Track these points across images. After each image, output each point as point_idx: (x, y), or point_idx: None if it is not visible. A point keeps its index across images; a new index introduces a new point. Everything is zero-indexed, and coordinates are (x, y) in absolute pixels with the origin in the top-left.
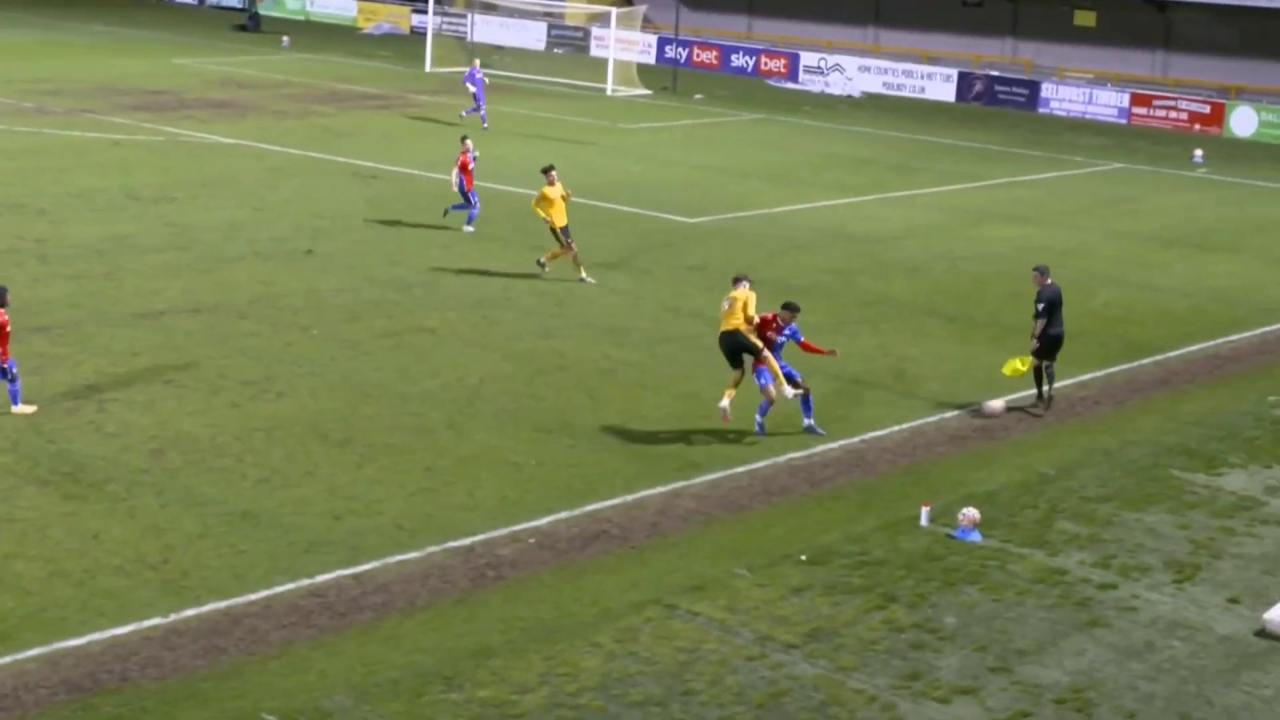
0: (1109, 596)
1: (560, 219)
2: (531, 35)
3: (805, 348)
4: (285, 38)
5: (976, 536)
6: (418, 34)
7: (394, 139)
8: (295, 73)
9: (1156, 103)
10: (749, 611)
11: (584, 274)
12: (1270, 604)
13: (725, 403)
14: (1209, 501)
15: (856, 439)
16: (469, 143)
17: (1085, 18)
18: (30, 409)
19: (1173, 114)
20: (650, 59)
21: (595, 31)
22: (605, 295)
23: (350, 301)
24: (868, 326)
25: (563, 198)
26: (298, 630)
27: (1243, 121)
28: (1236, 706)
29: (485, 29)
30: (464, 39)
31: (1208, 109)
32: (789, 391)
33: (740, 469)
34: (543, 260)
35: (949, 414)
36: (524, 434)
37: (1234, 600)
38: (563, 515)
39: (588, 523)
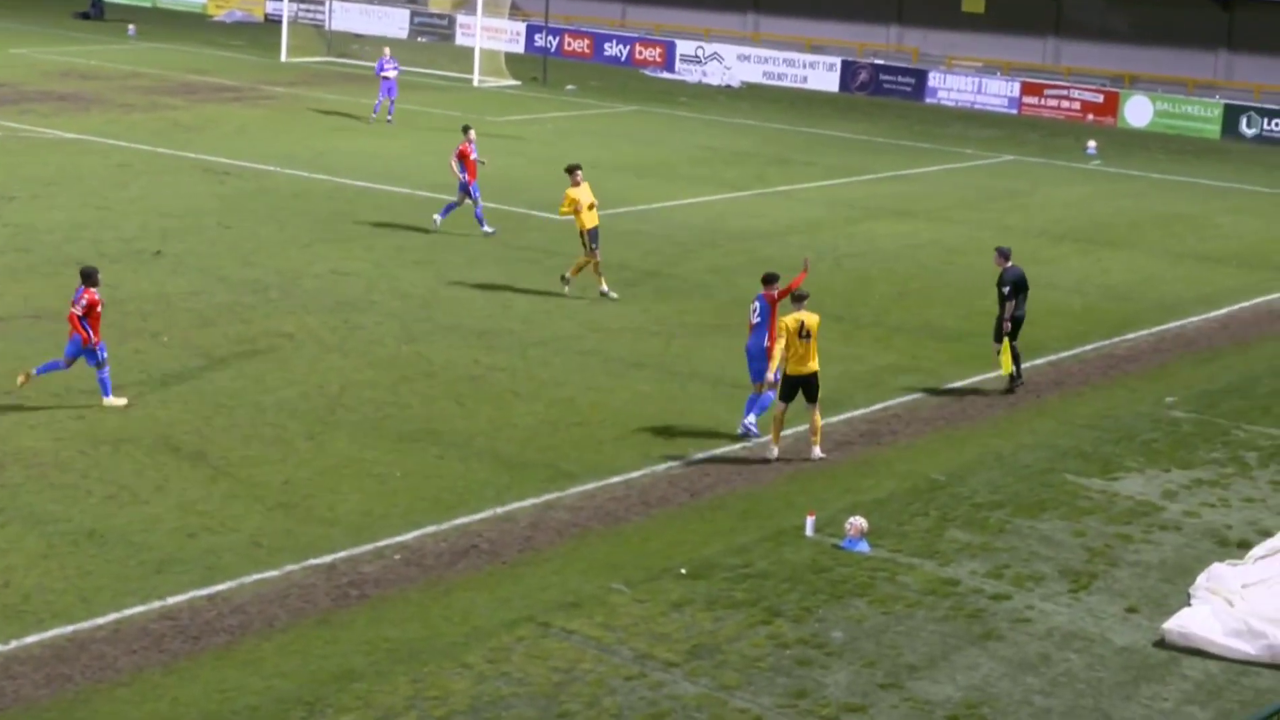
0: (1002, 608)
1: (590, 221)
2: (393, 23)
3: (783, 293)
4: (131, 26)
5: (864, 547)
6: (272, 22)
7: (249, 133)
8: (142, 63)
9: (1048, 92)
10: (627, 629)
11: (604, 286)
12: (1169, 613)
13: (776, 452)
14: (1105, 507)
15: (738, 446)
16: (472, 133)
17: (973, 4)
18: (121, 402)
19: (1065, 104)
20: (519, 48)
21: (461, 19)
22: (473, 297)
23: (202, 305)
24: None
25: (589, 206)
26: (149, 655)
27: (1137, 111)
28: None
29: (344, 17)
30: (321, 27)
31: (1101, 98)
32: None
33: (616, 479)
34: (566, 275)
35: (834, 419)
36: (388, 444)
37: (1132, 610)
38: (430, 530)
39: (456, 537)
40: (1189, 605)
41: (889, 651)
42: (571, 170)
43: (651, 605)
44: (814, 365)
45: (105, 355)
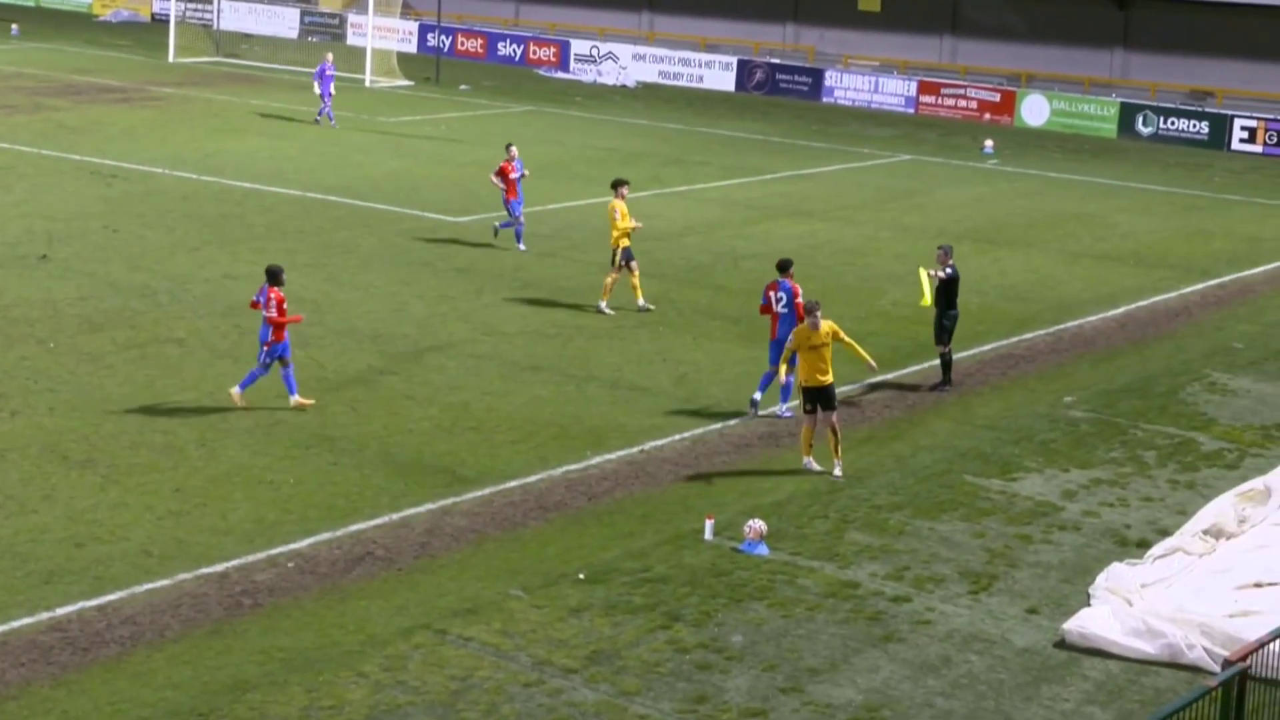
0: (903, 610)
1: (624, 240)
2: (283, 23)
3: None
4: (14, 26)
5: (763, 549)
6: (160, 21)
7: (136, 135)
8: (26, 63)
9: (945, 91)
10: (525, 635)
11: (641, 299)
12: (1069, 613)
13: (814, 463)
14: (1004, 508)
15: (635, 449)
16: (514, 150)
17: (869, 3)
18: (309, 401)
19: (962, 103)
20: (411, 48)
21: (352, 18)
22: (366, 300)
23: (90, 311)
24: (646, 330)
25: (629, 228)
26: (37, 668)
27: (1034, 110)
28: None
29: (233, 16)
30: (210, 27)
31: (998, 97)
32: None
33: (513, 483)
34: (602, 305)
35: (733, 421)
36: (281, 451)
37: (1032, 611)
38: (324, 537)
39: (351, 544)
40: (1089, 605)
41: (789, 655)
42: (617, 186)
43: (549, 611)
44: (828, 377)
45: (289, 355)
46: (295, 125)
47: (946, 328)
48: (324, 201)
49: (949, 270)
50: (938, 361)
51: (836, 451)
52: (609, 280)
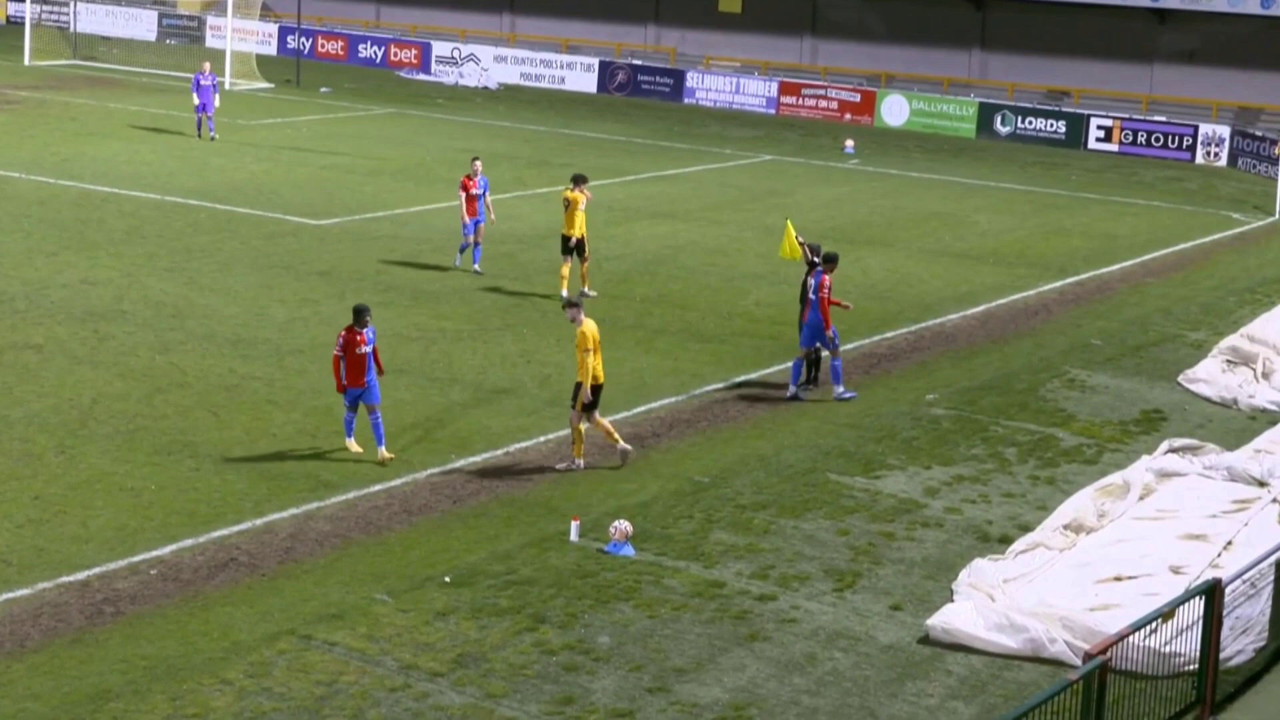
0: (768, 608)
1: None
2: (142, 25)
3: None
4: None
5: (629, 550)
6: (14, 23)
7: None
8: None
9: (805, 92)
10: (391, 639)
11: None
12: (933, 610)
13: (581, 463)
14: (868, 506)
15: (500, 451)
16: (478, 164)
17: (730, 3)
18: (390, 456)
19: (822, 103)
20: (271, 50)
21: (211, 20)
22: (227, 305)
23: None
24: (509, 332)
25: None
26: None
27: (894, 110)
28: (901, 717)
29: (90, 19)
30: (66, 29)
31: (858, 98)
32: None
33: (377, 487)
34: (585, 289)
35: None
36: (142, 457)
37: (896, 608)
38: (187, 543)
39: (214, 550)
40: (952, 601)
41: (656, 655)
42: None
43: (415, 615)
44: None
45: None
46: (154, 129)
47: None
48: (184, 205)
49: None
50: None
51: (614, 436)
52: (566, 270)
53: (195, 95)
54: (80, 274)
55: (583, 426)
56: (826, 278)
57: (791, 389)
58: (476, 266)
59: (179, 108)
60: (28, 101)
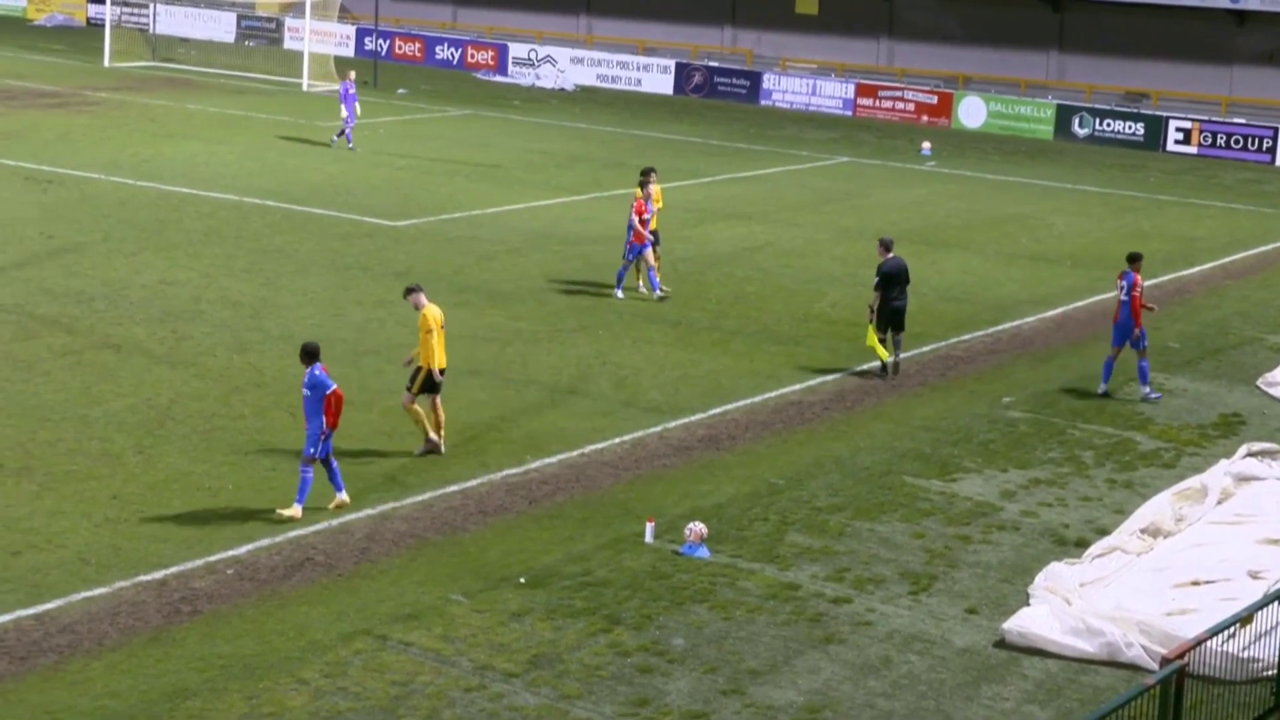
0: (843, 611)
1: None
2: (220, 27)
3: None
4: None
5: (704, 552)
6: (95, 26)
7: (71, 140)
8: None
9: (882, 93)
10: (466, 640)
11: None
12: (1008, 613)
13: (424, 447)
14: (944, 509)
15: (575, 453)
16: (652, 187)
17: (807, 5)
18: (346, 499)
19: (899, 105)
20: (349, 51)
21: (289, 22)
22: (304, 305)
23: (25, 317)
24: (584, 333)
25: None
26: None
27: (971, 112)
28: None
29: (169, 21)
30: (146, 31)
31: (935, 100)
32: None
33: (453, 488)
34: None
35: (672, 424)
36: (219, 457)
37: (971, 611)
38: (263, 543)
39: (291, 550)
40: (1028, 605)
41: (730, 657)
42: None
43: (490, 615)
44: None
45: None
46: (232, 129)
47: (889, 318)
48: (261, 206)
49: (888, 264)
50: (876, 364)
51: (439, 428)
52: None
53: (343, 106)
54: (159, 274)
55: (418, 408)
56: (1139, 277)
57: (1102, 387)
58: (619, 293)
59: (258, 109)
60: (107, 103)
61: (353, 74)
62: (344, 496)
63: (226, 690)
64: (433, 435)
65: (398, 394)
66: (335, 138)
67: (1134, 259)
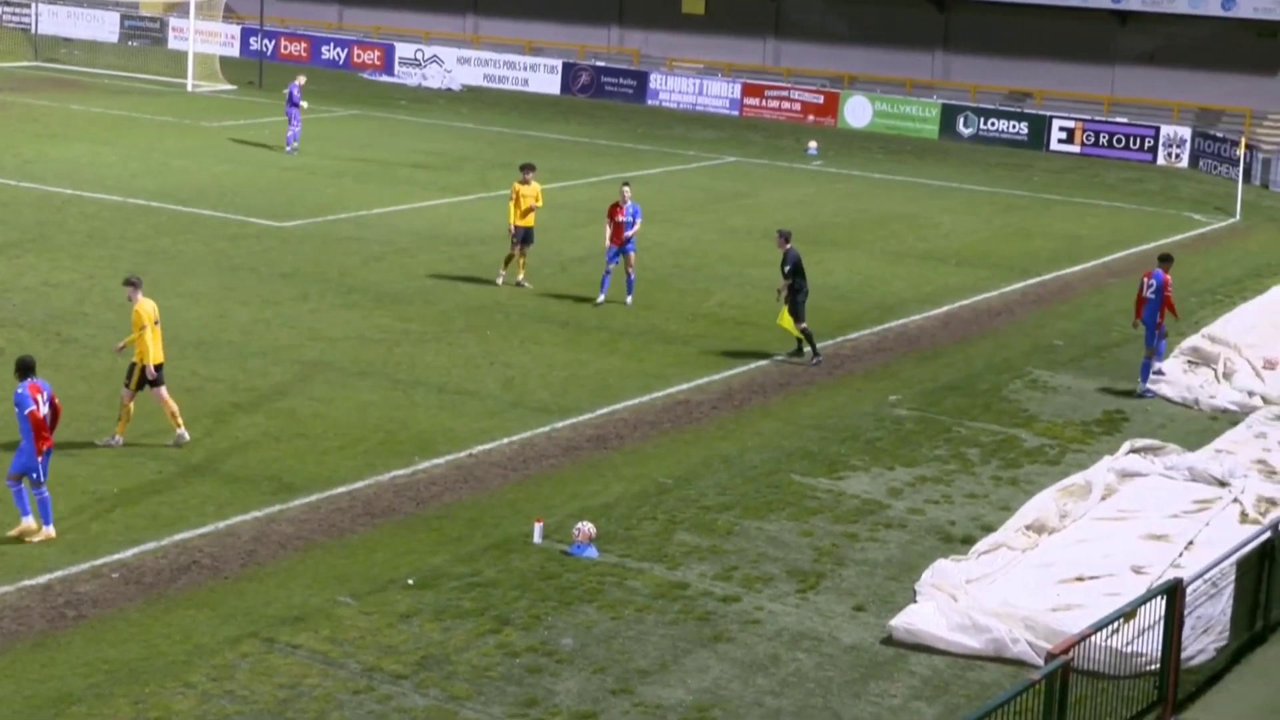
0: (732, 610)
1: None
2: (104, 27)
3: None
4: None
5: (593, 552)
6: None
7: None
8: None
9: (769, 93)
10: (354, 642)
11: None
12: (896, 610)
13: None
14: (831, 507)
15: (464, 453)
16: (627, 190)
17: (693, 5)
18: (52, 533)
19: (785, 105)
20: (234, 51)
21: (173, 22)
22: (190, 307)
23: None
24: (472, 334)
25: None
26: None
27: (857, 112)
28: (865, 718)
29: (52, 20)
30: (28, 31)
31: (821, 99)
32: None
33: (340, 490)
34: (520, 279)
35: (560, 424)
36: (104, 460)
37: (859, 608)
38: (149, 546)
39: (177, 553)
40: (915, 602)
41: (619, 657)
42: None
43: (379, 617)
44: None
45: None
46: (117, 130)
47: (800, 303)
48: (146, 207)
49: (791, 254)
50: (779, 358)
51: (177, 420)
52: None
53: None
54: (41, 276)
55: (131, 405)
56: (1169, 277)
57: (1142, 385)
58: (629, 299)
59: (140, 109)
60: None
61: (301, 79)
62: (30, 522)
63: (112, 695)
64: (180, 430)
65: (286, 395)
66: (293, 143)
67: (1165, 259)
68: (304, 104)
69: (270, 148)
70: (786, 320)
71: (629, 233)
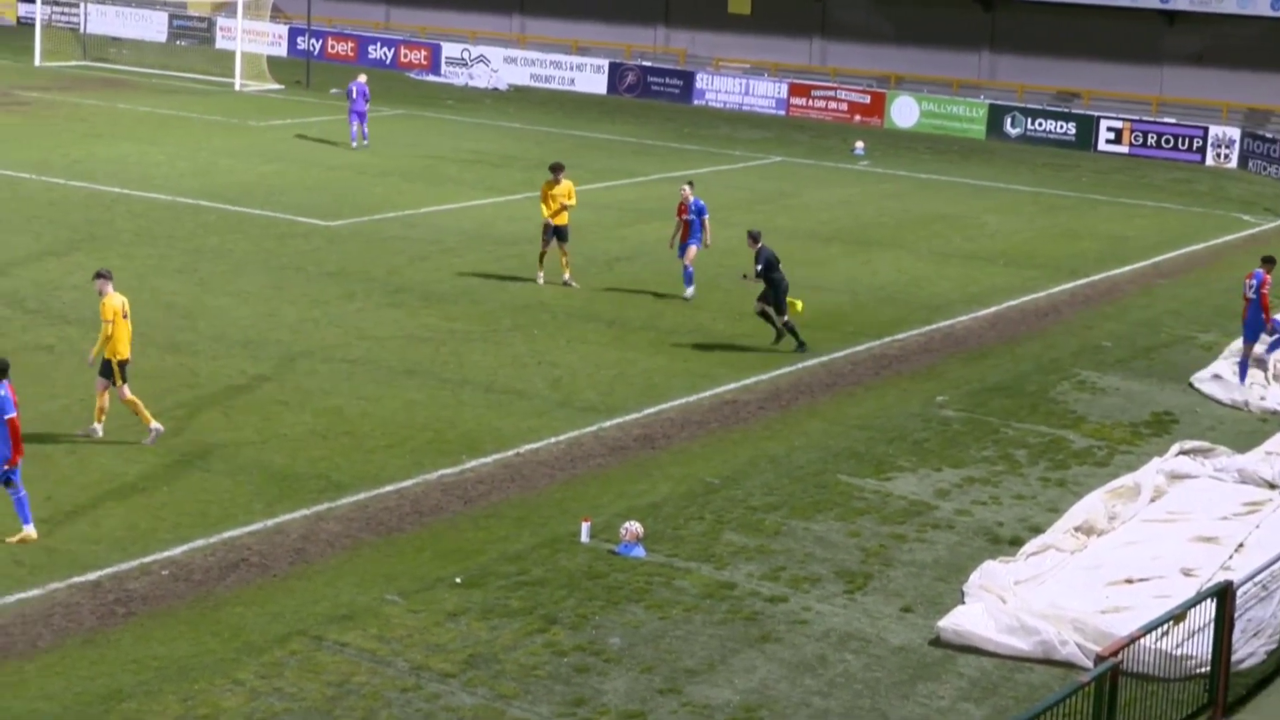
0: (779, 610)
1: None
2: (152, 26)
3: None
4: None
5: (640, 551)
6: (25, 25)
7: (1, 139)
8: None
9: (815, 93)
10: (402, 640)
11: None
12: (944, 611)
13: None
14: (879, 507)
15: (511, 453)
16: (687, 189)
17: (740, 5)
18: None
19: (832, 105)
20: (281, 51)
21: (221, 22)
22: (238, 306)
23: None
24: (519, 333)
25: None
26: None
27: (904, 112)
28: (912, 719)
29: (100, 20)
30: (77, 30)
31: (868, 99)
32: None
33: (388, 488)
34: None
35: (607, 423)
36: (153, 458)
37: (907, 609)
38: (198, 544)
39: (225, 551)
40: (963, 603)
41: (667, 656)
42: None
43: (426, 616)
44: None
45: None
46: (164, 129)
47: (782, 297)
48: (194, 206)
49: (765, 252)
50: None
51: (100, 416)
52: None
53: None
54: (91, 275)
55: (133, 397)
56: (1269, 277)
57: (1241, 385)
58: (687, 292)
59: (188, 109)
60: (38, 103)
61: (363, 77)
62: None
63: (161, 692)
64: (96, 425)
65: (333, 394)
66: (360, 139)
67: (1267, 261)
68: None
69: (335, 144)
70: (796, 307)
71: (701, 231)
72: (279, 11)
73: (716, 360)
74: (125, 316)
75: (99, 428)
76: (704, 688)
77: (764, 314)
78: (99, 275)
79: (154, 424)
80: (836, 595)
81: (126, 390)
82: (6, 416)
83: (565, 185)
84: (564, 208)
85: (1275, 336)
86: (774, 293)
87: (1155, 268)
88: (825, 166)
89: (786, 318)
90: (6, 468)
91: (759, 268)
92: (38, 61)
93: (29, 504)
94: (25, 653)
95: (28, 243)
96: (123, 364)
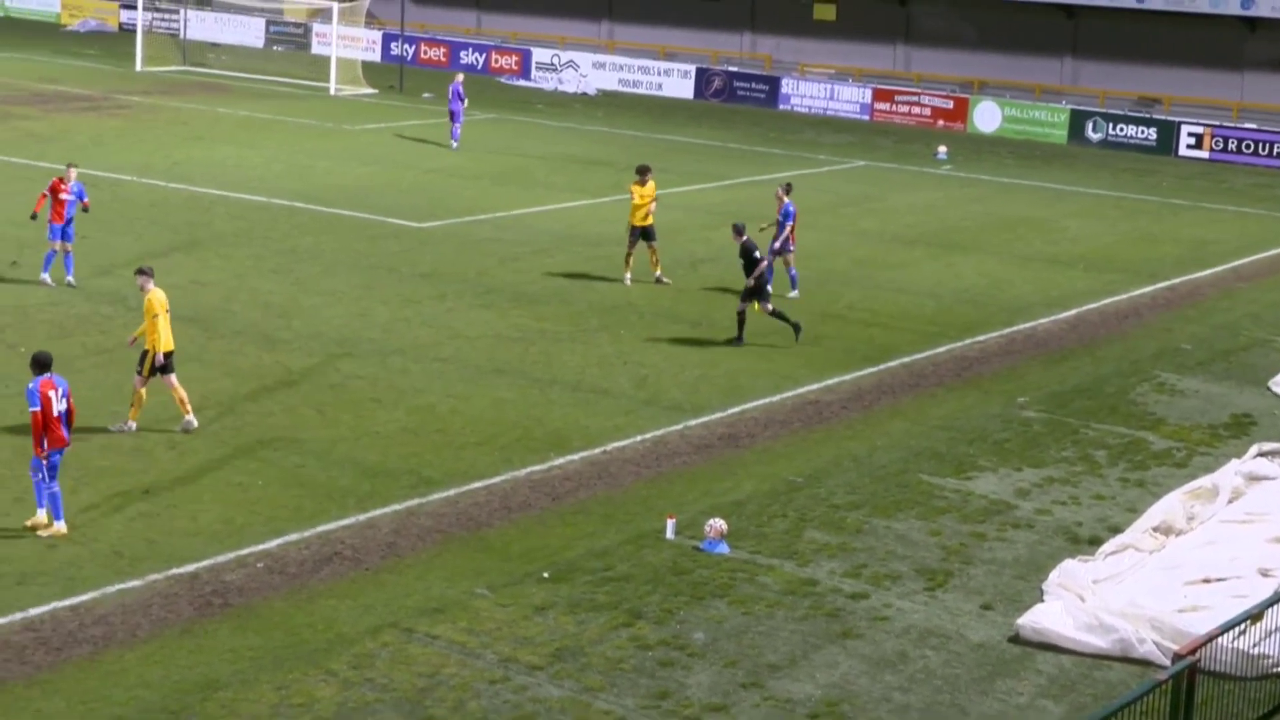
0: (860, 606)
1: (638, 219)
2: (249, 32)
3: None
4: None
5: (724, 548)
6: (127, 31)
7: (104, 143)
8: None
9: (899, 98)
10: (490, 633)
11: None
12: (1023, 609)
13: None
14: (959, 506)
15: (598, 450)
16: (779, 191)
17: (824, 11)
18: (64, 529)
19: (915, 109)
20: (375, 56)
21: (316, 28)
22: (331, 305)
23: (60, 316)
24: (606, 333)
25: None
26: (10, 668)
27: (986, 116)
28: (991, 715)
29: (200, 26)
30: (177, 36)
31: (951, 104)
32: None
33: (478, 484)
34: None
35: (692, 422)
36: (249, 453)
37: (986, 607)
38: (292, 537)
39: (319, 544)
40: (1042, 601)
41: (750, 651)
42: (643, 172)
43: (515, 609)
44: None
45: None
46: (261, 133)
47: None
48: (290, 208)
49: (751, 243)
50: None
51: (185, 406)
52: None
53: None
54: (190, 275)
55: (143, 391)
56: None
57: None
58: (793, 293)
59: (286, 113)
60: (139, 107)
61: (460, 76)
62: (43, 517)
63: (257, 681)
64: (188, 417)
65: (424, 392)
66: (451, 139)
67: None
68: (465, 101)
69: (428, 145)
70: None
71: (783, 233)
72: (373, 18)
73: (799, 361)
74: (167, 311)
75: (192, 419)
76: (785, 682)
77: (775, 313)
78: (140, 272)
79: (131, 422)
80: (917, 592)
81: (140, 382)
82: (31, 410)
83: (649, 187)
84: (648, 210)
85: None
86: (756, 285)
87: (1235, 272)
88: (908, 171)
89: (762, 306)
90: (45, 460)
91: (742, 261)
92: (139, 66)
93: (61, 500)
94: (126, 642)
95: (129, 243)
96: (160, 355)
